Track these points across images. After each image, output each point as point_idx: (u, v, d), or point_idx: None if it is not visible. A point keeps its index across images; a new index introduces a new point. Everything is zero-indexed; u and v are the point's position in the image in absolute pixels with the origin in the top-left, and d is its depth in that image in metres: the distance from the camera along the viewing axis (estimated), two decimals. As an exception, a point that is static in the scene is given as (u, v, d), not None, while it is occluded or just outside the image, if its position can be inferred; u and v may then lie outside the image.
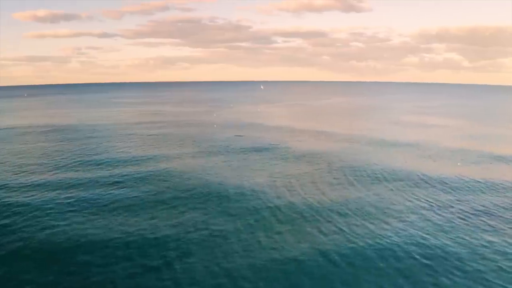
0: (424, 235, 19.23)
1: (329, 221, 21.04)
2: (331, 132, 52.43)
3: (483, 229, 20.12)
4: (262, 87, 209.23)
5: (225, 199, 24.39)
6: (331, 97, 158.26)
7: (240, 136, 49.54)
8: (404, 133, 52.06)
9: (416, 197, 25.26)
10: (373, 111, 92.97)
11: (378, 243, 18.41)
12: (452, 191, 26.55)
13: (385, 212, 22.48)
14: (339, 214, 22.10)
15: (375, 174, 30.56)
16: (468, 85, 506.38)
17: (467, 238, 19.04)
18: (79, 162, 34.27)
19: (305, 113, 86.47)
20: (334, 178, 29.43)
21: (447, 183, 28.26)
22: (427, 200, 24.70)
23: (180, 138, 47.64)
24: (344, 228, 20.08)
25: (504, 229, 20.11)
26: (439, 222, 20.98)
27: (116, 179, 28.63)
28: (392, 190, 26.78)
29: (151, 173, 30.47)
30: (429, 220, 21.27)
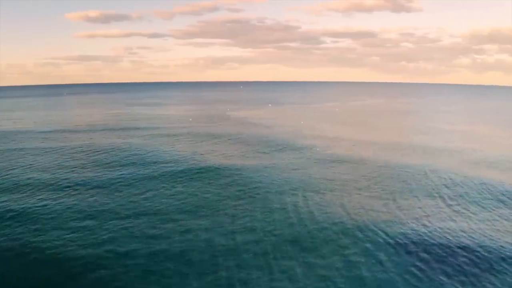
0: None
1: None
2: (337, 144, 41.83)
3: None
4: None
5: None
6: (368, 98, 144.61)
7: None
8: (433, 148, 40.49)
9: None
10: (405, 114, 79.72)
11: None
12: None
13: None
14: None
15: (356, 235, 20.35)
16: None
17: None
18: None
19: (326, 116, 75.26)
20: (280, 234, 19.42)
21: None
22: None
23: (141, 150, 39.13)
24: None
25: None
26: None
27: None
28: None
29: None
30: None
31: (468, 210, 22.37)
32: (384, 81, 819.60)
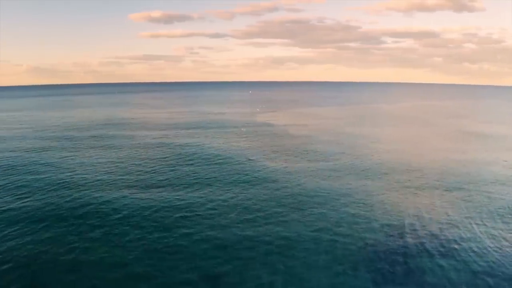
0: None
1: None
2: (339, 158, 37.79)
3: None
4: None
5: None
6: (413, 100, 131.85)
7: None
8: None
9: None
10: (442, 117, 69.45)
11: None
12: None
13: None
14: None
15: None
16: None
17: None
18: None
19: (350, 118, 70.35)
20: None
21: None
22: None
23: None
24: None
25: None
26: None
27: None
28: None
29: None
30: None
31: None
32: (446, 82, 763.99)
